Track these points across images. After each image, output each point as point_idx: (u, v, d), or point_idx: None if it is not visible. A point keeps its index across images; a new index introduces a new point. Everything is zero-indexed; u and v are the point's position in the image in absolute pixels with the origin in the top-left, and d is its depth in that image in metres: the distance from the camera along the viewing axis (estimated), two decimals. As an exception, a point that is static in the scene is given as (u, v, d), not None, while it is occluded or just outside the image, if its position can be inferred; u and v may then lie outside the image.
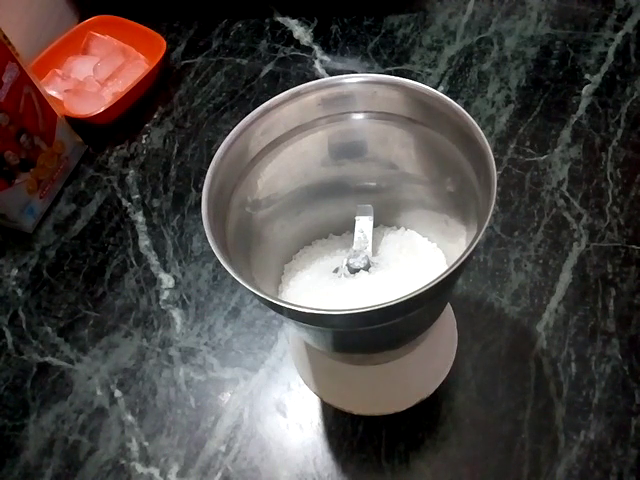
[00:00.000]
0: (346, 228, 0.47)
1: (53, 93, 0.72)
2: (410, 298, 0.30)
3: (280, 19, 0.79)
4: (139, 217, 0.65)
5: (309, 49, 0.76)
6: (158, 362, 0.55)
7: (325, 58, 0.74)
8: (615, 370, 0.49)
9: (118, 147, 0.71)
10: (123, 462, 0.51)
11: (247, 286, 0.32)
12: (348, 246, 0.45)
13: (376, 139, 0.42)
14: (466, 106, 0.66)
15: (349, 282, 0.42)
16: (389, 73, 0.44)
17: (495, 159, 0.33)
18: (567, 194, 0.58)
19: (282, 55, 0.76)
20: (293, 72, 0.74)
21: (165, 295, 0.59)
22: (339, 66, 0.73)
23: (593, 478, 0.45)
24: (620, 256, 0.54)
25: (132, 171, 0.69)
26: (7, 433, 0.53)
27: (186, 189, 0.66)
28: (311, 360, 0.49)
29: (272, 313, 0.55)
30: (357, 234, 0.45)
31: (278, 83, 0.73)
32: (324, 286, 0.43)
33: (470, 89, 0.68)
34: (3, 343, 0.58)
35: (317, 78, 0.40)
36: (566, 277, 0.54)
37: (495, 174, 0.33)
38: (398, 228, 0.47)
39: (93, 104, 0.69)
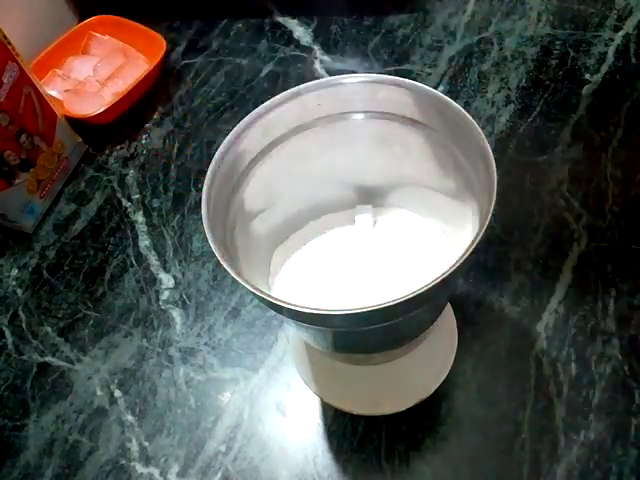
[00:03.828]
0: (346, 225, 0.47)
1: (53, 93, 0.72)
2: (410, 298, 0.30)
3: (280, 19, 0.79)
4: (139, 217, 0.65)
5: (309, 49, 0.76)
6: (158, 362, 0.55)
7: (325, 58, 0.74)
8: (615, 370, 0.49)
9: (118, 147, 0.71)
10: (123, 462, 0.51)
11: (247, 286, 0.32)
12: (347, 244, 0.45)
13: (376, 139, 0.42)
14: (466, 106, 0.66)
15: (351, 281, 0.42)
16: (389, 73, 0.43)
17: (495, 159, 0.33)
18: (567, 194, 0.58)
19: (282, 55, 0.76)
20: (293, 72, 0.74)
21: (165, 295, 0.59)
22: (339, 66, 0.73)
23: (593, 478, 0.45)
24: (620, 256, 0.54)
25: (132, 171, 0.69)
26: (7, 433, 0.53)
27: (186, 189, 0.66)
28: (311, 360, 0.49)
29: (272, 313, 0.55)
30: (357, 233, 0.45)
31: (278, 83, 0.73)
32: (325, 282, 0.43)
33: (470, 89, 0.68)
34: (3, 343, 0.58)
35: (317, 78, 0.40)
36: (566, 277, 0.54)
37: (495, 174, 0.33)
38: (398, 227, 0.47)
39: (93, 104, 0.69)
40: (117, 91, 0.71)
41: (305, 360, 0.49)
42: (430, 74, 0.70)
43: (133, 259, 0.62)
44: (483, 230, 0.31)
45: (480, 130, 0.35)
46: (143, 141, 0.71)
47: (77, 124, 0.69)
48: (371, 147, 0.43)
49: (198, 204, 0.64)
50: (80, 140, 0.70)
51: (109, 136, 0.72)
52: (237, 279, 0.32)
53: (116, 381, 0.55)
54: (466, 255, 0.31)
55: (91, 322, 0.59)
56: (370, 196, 0.46)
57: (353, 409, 0.47)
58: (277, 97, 0.39)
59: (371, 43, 0.74)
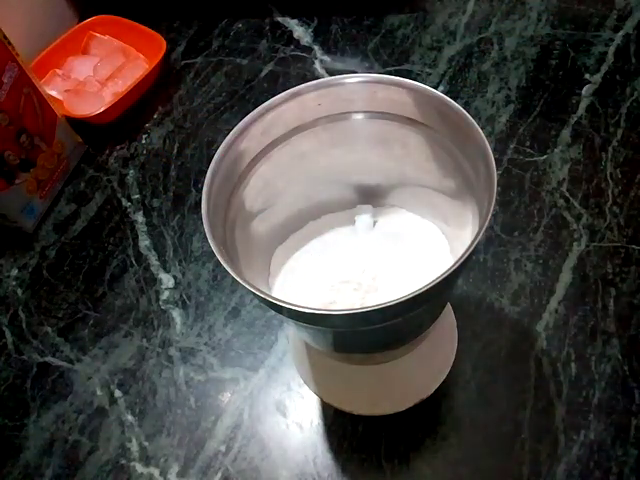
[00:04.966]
0: (346, 225, 0.47)
1: (53, 93, 0.72)
2: (410, 298, 0.30)
3: (280, 19, 0.79)
4: (139, 217, 0.65)
5: (309, 49, 0.76)
6: (158, 362, 0.55)
7: (325, 58, 0.74)
8: (615, 370, 0.49)
9: (118, 147, 0.71)
10: (123, 462, 0.51)
11: (247, 286, 0.32)
12: (347, 244, 0.45)
13: (376, 139, 0.42)
14: (466, 106, 0.66)
15: (351, 281, 0.42)
16: (389, 73, 0.43)
17: (495, 159, 0.33)
18: (567, 194, 0.58)
19: (282, 55, 0.76)
20: (293, 72, 0.74)
21: (165, 295, 0.59)
22: (339, 66, 0.73)
23: (593, 478, 0.45)
24: (620, 256, 0.54)
25: (132, 171, 0.69)
26: (7, 433, 0.53)
27: (186, 189, 0.66)
28: (311, 360, 0.49)
29: (272, 313, 0.55)
30: (357, 233, 0.45)
31: (278, 83, 0.73)
32: (325, 282, 0.43)
33: (470, 89, 0.68)
34: (3, 343, 0.58)
35: (317, 78, 0.40)
36: (566, 277, 0.54)
37: (495, 174, 0.33)
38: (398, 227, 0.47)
39: (93, 104, 0.69)
40: (117, 91, 0.71)
41: (305, 360, 0.49)
42: (430, 74, 0.70)
43: (133, 259, 0.62)
44: (483, 230, 0.31)
45: (480, 130, 0.35)
46: (143, 141, 0.71)
47: (77, 124, 0.69)
48: (371, 147, 0.43)
49: (198, 204, 0.64)
50: (80, 140, 0.70)
51: (109, 136, 0.72)
52: (237, 279, 0.32)
53: (116, 381, 0.55)
54: (466, 255, 0.31)
55: (91, 322, 0.59)
56: (370, 196, 0.46)
57: (353, 409, 0.47)
58: (277, 97, 0.39)
59: (371, 43, 0.74)
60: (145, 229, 0.64)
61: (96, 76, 0.74)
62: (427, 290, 0.30)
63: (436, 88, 0.41)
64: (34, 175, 0.64)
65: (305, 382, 0.49)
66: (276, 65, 0.75)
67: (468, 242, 0.31)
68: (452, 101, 0.36)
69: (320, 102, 0.40)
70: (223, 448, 0.50)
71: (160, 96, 0.75)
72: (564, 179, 0.59)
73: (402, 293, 0.30)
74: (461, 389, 0.50)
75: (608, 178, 0.59)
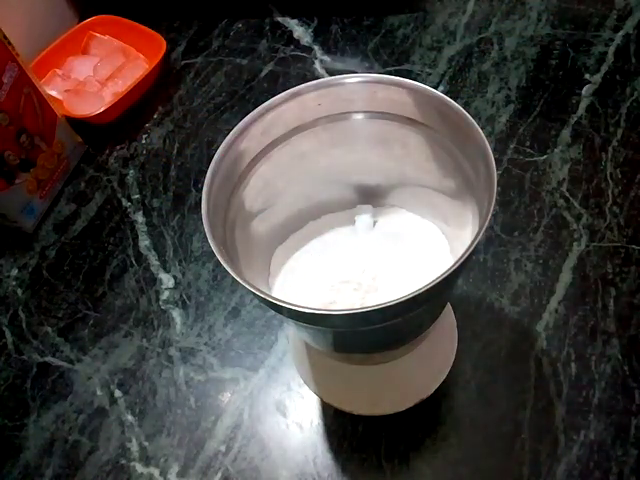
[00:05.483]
0: (346, 225, 0.47)
1: (53, 93, 0.72)
2: (410, 298, 0.30)
3: (280, 19, 0.79)
4: (139, 217, 0.65)
5: (309, 49, 0.76)
6: (158, 362, 0.55)
7: (325, 58, 0.74)
8: (615, 370, 0.49)
9: (118, 147, 0.71)
10: (123, 462, 0.51)
11: (247, 286, 0.32)
12: (347, 244, 0.45)
13: (376, 139, 0.42)
14: (466, 106, 0.66)
15: (351, 281, 0.42)
16: (389, 73, 0.43)
17: (495, 159, 0.33)
18: (567, 194, 0.58)
19: (282, 55, 0.76)
20: (293, 72, 0.74)
21: (165, 295, 0.59)
22: (339, 66, 0.73)
23: (593, 478, 0.45)
24: (620, 256, 0.54)
25: (132, 171, 0.69)
26: (7, 433, 0.53)
27: (186, 189, 0.66)
28: (311, 360, 0.49)
29: (272, 313, 0.55)
30: (357, 233, 0.45)
31: (278, 83, 0.73)
32: (325, 282, 0.43)
33: (470, 89, 0.68)
34: (3, 343, 0.58)
35: (317, 78, 0.40)
36: (566, 277, 0.54)
37: (495, 174, 0.33)
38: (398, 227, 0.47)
39: (93, 104, 0.69)
40: (117, 91, 0.71)
41: (305, 360, 0.49)
42: (430, 74, 0.70)
43: (133, 259, 0.62)
44: (483, 230, 0.31)
45: (480, 130, 0.35)
46: (143, 141, 0.71)
47: (77, 124, 0.69)
48: (371, 147, 0.43)
49: (198, 204, 0.64)
50: (80, 140, 0.70)
51: (109, 136, 0.72)
52: (237, 279, 0.32)
53: (116, 381, 0.55)
54: (466, 255, 0.31)
55: (91, 322, 0.59)
56: (370, 196, 0.46)
57: (353, 409, 0.47)
58: (277, 97, 0.39)
59: (371, 43, 0.74)
60: (145, 229, 0.64)
61: (96, 76, 0.74)
62: (427, 290, 0.30)
63: (436, 88, 0.41)
64: (34, 175, 0.64)
65: (305, 382, 0.49)
66: (276, 65, 0.75)
67: (468, 242, 0.31)
68: (452, 101, 0.36)
69: (320, 102, 0.40)
70: (223, 448, 0.50)
71: (160, 96, 0.75)
72: (564, 179, 0.59)
73: (402, 293, 0.30)
74: (461, 389, 0.50)
75: (608, 178, 0.59)
